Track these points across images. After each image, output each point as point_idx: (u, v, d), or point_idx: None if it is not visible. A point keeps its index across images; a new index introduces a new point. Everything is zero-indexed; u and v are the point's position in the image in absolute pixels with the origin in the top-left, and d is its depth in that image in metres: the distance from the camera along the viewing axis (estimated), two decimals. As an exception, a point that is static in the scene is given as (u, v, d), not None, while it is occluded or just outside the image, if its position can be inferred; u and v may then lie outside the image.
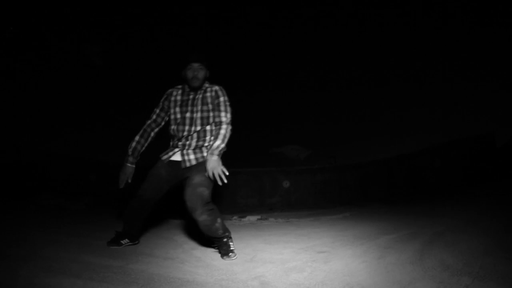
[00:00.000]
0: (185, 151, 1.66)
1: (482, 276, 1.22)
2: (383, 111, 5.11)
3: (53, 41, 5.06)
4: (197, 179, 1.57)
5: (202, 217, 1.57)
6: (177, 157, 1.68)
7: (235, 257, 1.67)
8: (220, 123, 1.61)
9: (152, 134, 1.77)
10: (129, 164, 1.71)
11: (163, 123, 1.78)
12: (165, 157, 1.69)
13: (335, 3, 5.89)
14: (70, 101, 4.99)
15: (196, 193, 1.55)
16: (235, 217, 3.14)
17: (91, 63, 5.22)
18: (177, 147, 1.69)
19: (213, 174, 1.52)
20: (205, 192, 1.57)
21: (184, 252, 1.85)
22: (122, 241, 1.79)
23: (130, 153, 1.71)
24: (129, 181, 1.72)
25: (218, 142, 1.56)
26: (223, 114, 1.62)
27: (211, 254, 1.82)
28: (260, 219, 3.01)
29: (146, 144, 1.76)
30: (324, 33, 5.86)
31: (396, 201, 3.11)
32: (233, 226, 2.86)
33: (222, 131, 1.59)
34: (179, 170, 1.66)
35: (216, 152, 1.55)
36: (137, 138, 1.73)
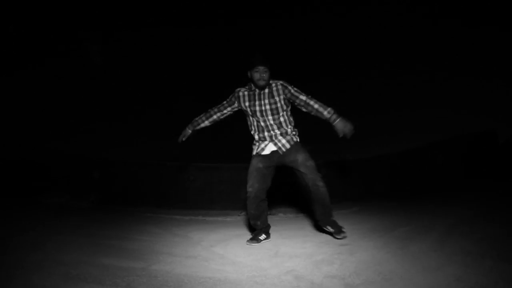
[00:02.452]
0: (275, 140, 1.89)
1: (503, 258, 1.30)
2: (386, 108, 5.31)
3: (54, 40, 4.65)
4: (302, 157, 1.83)
5: (321, 182, 1.80)
6: (270, 149, 1.89)
7: (346, 235, 1.84)
8: (307, 103, 1.84)
9: (215, 116, 1.98)
10: (187, 129, 1.98)
11: (226, 113, 1.99)
12: (260, 152, 1.89)
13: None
14: (71, 99, 4.67)
15: (310, 166, 1.81)
16: (243, 213, 3.10)
17: (91, 62, 4.87)
18: (264, 139, 1.90)
19: (346, 134, 1.78)
20: (313, 163, 1.83)
21: (204, 250, 1.79)
22: (260, 237, 1.92)
23: (191, 122, 1.98)
24: (184, 139, 1.98)
25: (325, 110, 1.80)
26: (303, 96, 1.85)
27: (233, 251, 1.78)
28: (270, 214, 2.99)
29: (206, 122, 1.99)
30: (333, 28, 5.86)
31: (400, 197, 3.19)
32: (243, 221, 2.83)
33: (317, 103, 1.82)
34: (275, 158, 1.89)
35: (334, 116, 1.79)
36: (201, 115, 1.99)
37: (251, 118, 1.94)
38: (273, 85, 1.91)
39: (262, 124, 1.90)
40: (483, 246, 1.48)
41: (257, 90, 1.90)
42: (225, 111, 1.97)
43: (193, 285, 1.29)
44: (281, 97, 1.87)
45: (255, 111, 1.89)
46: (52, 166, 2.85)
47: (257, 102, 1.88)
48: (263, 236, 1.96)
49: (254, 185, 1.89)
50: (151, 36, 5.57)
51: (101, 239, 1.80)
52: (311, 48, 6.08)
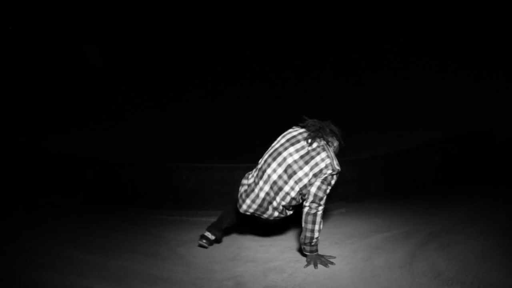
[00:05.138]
0: None
1: (477, 286, 1.08)
2: (382, 107, 5.04)
3: (52, 41, 5.04)
4: None
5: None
6: None
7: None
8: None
9: None
10: None
11: None
12: None
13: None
14: (69, 100, 5.04)
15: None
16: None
17: (89, 63, 5.21)
18: None
19: None
20: None
21: (169, 249, 1.84)
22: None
23: None
24: None
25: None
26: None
27: (195, 252, 1.79)
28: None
29: None
30: (320, 26, 5.66)
31: (394, 197, 3.01)
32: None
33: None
34: None
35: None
36: None
37: None
38: None
39: None
40: (459, 264, 1.26)
41: None
42: None
43: (135, 280, 1.34)
44: None
45: None
46: (44, 165, 3.02)
47: None
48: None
49: None
50: (150, 36, 5.75)
51: (77, 235, 1.95)
52: (308, 47, 5.86)
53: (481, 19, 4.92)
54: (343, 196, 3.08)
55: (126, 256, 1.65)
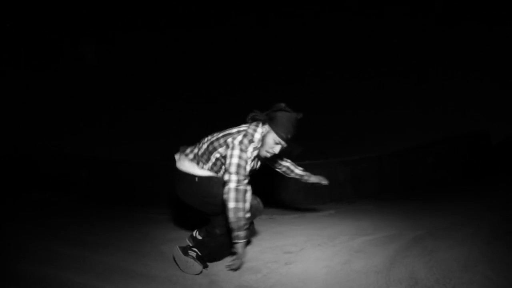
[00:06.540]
0: None
1: (454, 295, 1.04)
2: (377, 108, 5.03)
3: (50, 40, 5.06)
4: None
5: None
6: None
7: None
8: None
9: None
10: None
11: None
12: None
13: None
14: (65, 99, 5.07)
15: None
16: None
17: (85, 62, 5.26)
18: None
19: None
20: None
21: (152, 247, 1.86)
22: None
23: None
24: None
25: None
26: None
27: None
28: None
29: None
30: (319, 27, 5.63)
31: (386, 198, 2.98)
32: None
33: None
34: None
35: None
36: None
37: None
38: None
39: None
40: (440, 272, 1.21)
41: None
42: None
43: (113, 274, 1.38)
44: None
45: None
46: (39, 163, 3.06)
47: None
48: None
49: None
50: (147, 36, 5.75)
51: (65, 231, 1.99)
52: (307, 48, 5.83)
53: (481, 24, 4.85)
54: (335, 197, 3.04)
55: (109, 252, 1.69)
